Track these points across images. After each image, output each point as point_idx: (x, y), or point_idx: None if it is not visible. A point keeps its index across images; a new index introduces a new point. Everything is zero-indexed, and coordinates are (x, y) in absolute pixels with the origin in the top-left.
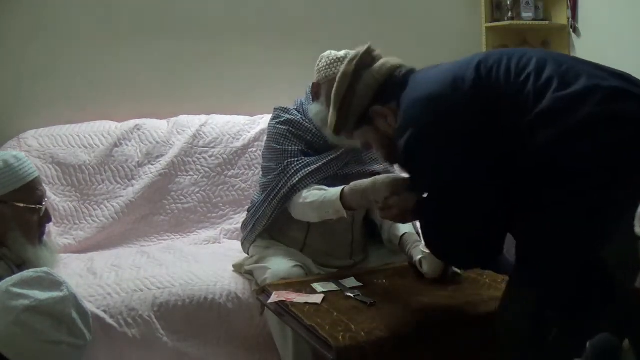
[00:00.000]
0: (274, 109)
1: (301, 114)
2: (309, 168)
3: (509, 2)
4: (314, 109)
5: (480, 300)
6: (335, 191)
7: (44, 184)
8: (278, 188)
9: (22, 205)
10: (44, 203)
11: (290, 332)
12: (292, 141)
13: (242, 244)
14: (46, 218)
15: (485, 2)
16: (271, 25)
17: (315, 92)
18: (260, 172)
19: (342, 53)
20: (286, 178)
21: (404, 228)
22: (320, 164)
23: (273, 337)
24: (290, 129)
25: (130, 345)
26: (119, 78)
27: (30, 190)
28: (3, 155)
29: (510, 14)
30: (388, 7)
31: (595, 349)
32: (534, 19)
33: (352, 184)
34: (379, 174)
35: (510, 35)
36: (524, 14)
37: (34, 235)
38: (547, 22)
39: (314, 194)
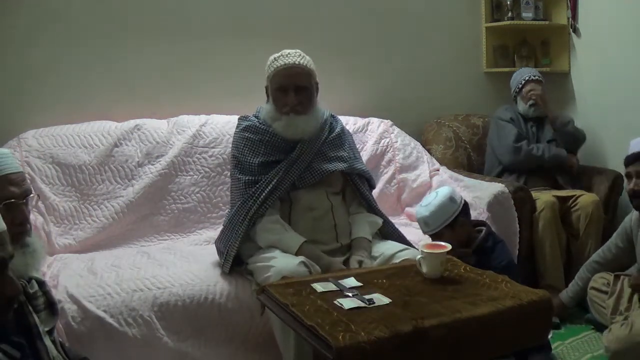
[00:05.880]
0: (238, 117)
1: (257, 118)
2: (269, 187)
3: (509, 2)
4: (265, 107)
5: (480, 300)
6: (294, 241)
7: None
8: (245, 210)
9: None
10: (13, 201)
11: (292, 331)
12: (252, 150)
13: (223, 264)
14: (21, 217)
15: (485, 2)
16: (271, 26)
17: (267, 93)
18: (230, 179)
19: (277, 55)
20: (251, 201)
21: (359, 232)
22: (279, 175)
23: (274, 337)
24: (249, 135)
25: (130, 345)
26: (119, 78)
27: None
28: None
29: (510, 14)
30: (388, 7)
31: None
32: (534, 19)
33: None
34: (341, 172)
35: (510, 35)
36: (524, 14)
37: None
38: (547, 22)
39: (266, 237)
